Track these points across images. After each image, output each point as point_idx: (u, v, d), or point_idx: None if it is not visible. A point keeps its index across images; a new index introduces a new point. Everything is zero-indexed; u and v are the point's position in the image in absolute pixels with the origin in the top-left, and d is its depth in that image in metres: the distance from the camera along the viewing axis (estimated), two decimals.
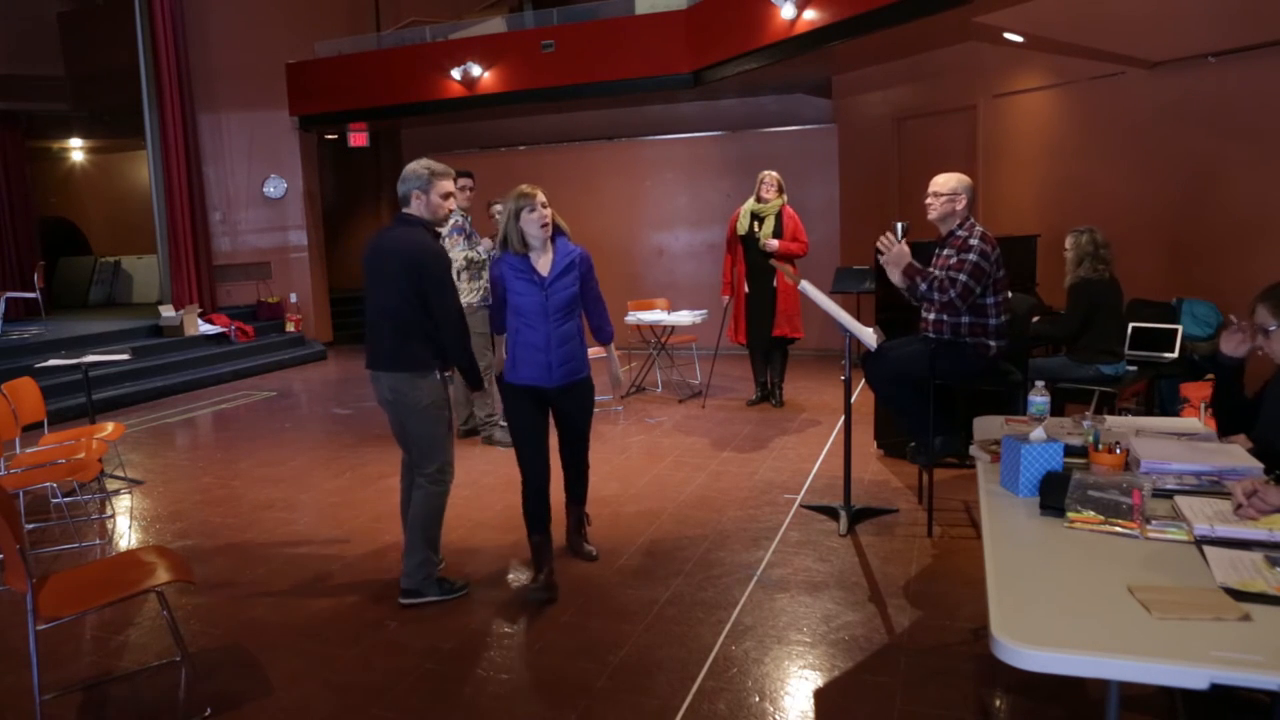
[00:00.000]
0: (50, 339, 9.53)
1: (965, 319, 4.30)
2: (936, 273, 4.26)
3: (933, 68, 8.30)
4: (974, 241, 4.24)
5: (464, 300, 6.12)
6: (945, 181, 4.36)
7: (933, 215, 4.39)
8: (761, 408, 7.38)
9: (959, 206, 4.34)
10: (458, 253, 6.13)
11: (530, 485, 3.93)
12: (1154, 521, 2.22)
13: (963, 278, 4.17)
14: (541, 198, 3.76)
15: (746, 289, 7.10)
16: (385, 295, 3.69)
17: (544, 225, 3.75)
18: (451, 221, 6.17)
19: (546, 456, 3.93)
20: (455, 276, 6.09)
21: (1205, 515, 2.21)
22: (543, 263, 3.79)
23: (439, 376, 3.78)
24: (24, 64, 12.68)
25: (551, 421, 4.03)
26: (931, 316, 4.42)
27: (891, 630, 3.45)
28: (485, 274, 6.30)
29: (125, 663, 3.41)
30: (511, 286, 3.80)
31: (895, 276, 4.35)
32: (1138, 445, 2.66)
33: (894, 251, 4.29)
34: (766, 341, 7.18)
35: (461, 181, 6.24)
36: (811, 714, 2.93)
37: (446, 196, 3.76)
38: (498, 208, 6.75)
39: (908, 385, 4.40)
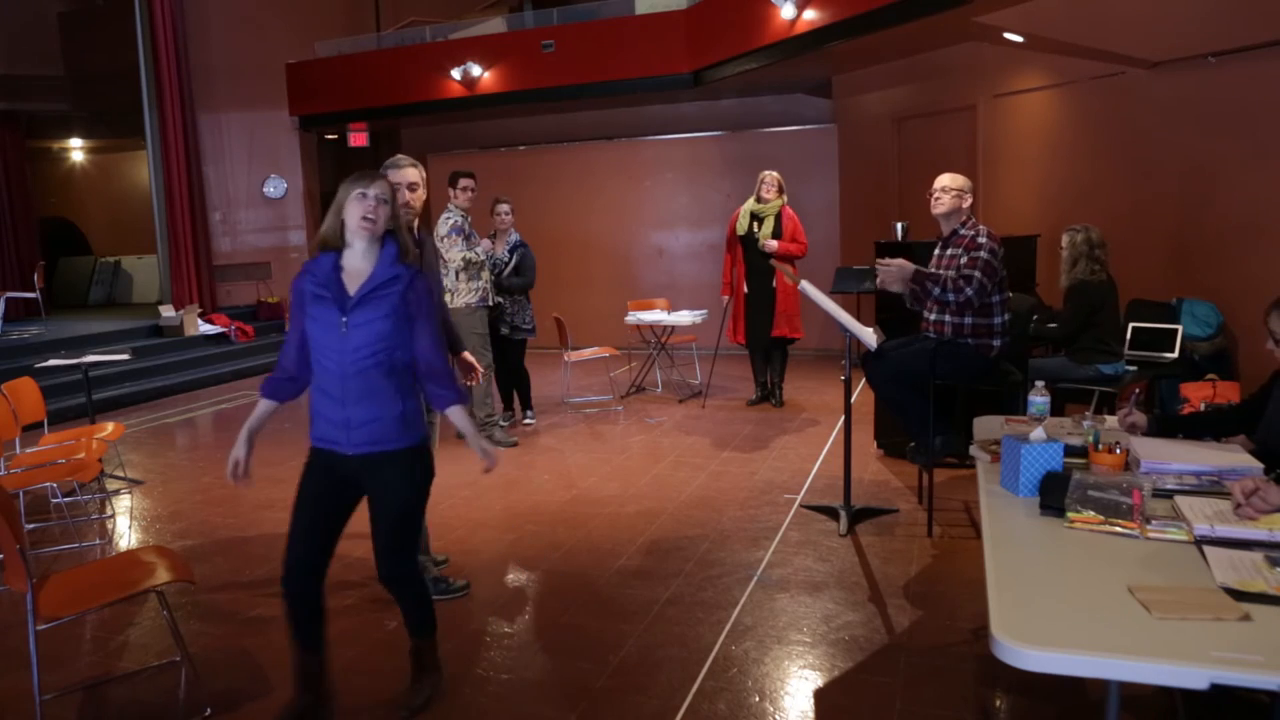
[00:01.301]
0: (50, 339, 9.53)
1: (969, 319, 4.30)
2: (947, 274, 4.26)
3: (933, 68, 8.30)
4: (982, 240, 4.25)
5: (463, 300, 6.15)
6: (954, 178, 4.38)
7: (939, 210, 4.38)
8: (761, 408, 7.38)
9: (965, 204, 4.36)
10: (455, 253, 6.13)
11: (289, 568, 2.87)
12: (1154, 521, 2.21)
13: (978, 274, 4.18)
14: (378, 190, 2.77)
15: (746, 289, 7.11)
16: None
17: (368, 217, 2.75)
18: (450, 222, 6.18)
19: (325, 537, 2.89)
20: (453, 278, 6.13)
21: (1205, 515, 2.21)
22: (355, 275, 2.79)
23: None
24: (24, 64, 12.69)
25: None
26: (932, 316, 4.43)
27: (891, 630, 3.45)
28: (484, 274, 6.31)
29: (125, 663, 3.41)
30: (309, 306, 2.79)
31: (898, 288, 4.36)
32: (1138, 445, 2.66)
33: (895, 267, 4.28)
34: (766, 341, 7.18)
35: (463, 182, 6.26)
36: (811, 714, 2.93)
37: (395, 189, 3.73)
38: (503, 207, 6.77)
39: (908, 385, 4.40)
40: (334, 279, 2.78)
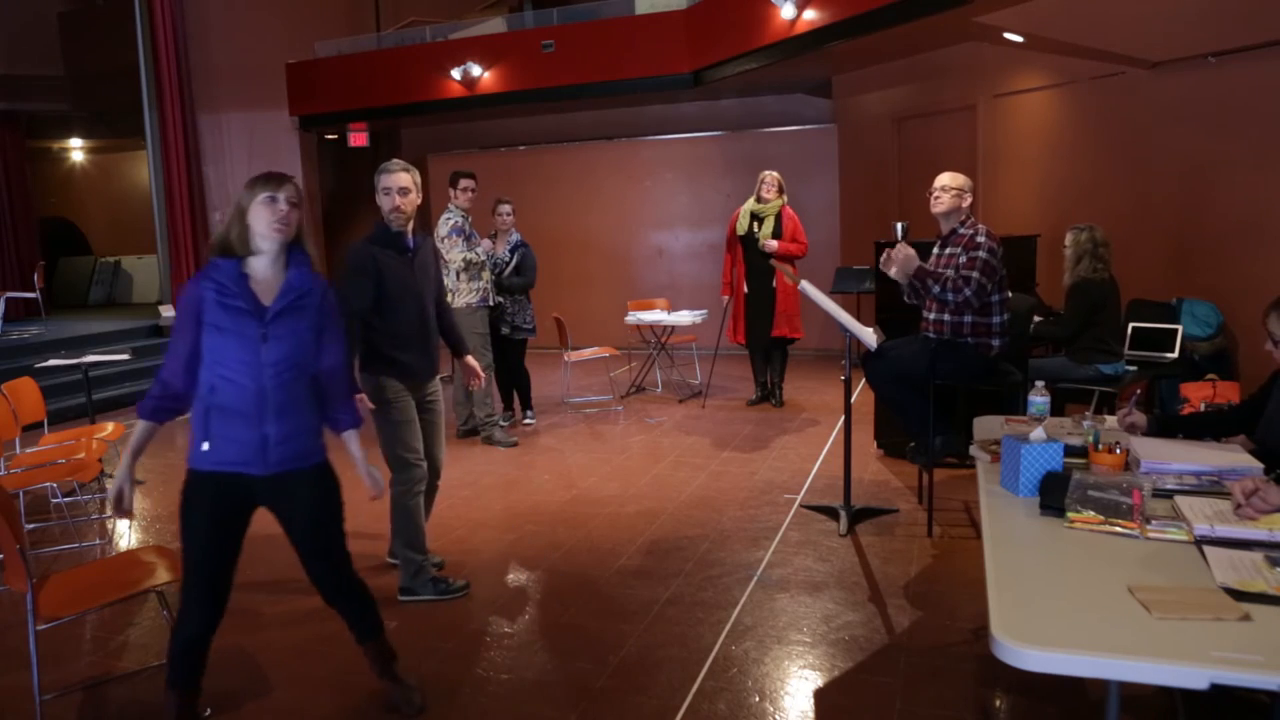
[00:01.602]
0: (50, 339, 9.52)
1: (968, 318, 4.30)
2: (948, 273, 4.26)
3: (933, 68, 8.30)
4: (981, 239, 4.25)
5: (464, 301, 6.16)
6: (954, 176, 4.38)
7: (939, 209, 4.38)
8: (761, 408, 7.38)
9: (965, 203, 4.36)
10: (456, 254, 6.15)
11: (184, 629, 2.71)
12: (1154, 521, 2.21)
13: (976, 275, 4.18)
14: (288, 193, 2.62)
15: (746, 289, 7.11)
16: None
17: (280, 222, 2.60)
18: (451, 223, 6.20)
19: (224, 571, 2.72)
20: (454, 278, 6.15)
21: (1205, 515, 2.21)
22: (266, 288, 2.63)
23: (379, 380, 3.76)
24: (24, 64, 12.69)
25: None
26: (932, 316, 4.43)
27: (891, 630, 3.45)
28: (485, 274, 6.32)
29: (125, 663, 3.41)
30: (210, 315, 2.57)
31: (899, 277, 4.34)
32: (1138, 445, 2.66)
33: (901, 254, 4.24)
34: (766, 341, 7.18)
35: (464, 183, 6.29)
36: (811, 714, 2.93)
37: (386, 193, 3.76)
38: (505, 208, 6.77)
39: (908, 385, 4.40)
40: (244, 288, 2.60)
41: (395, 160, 3.83)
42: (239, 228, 2.61)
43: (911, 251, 4.27)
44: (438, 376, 4.00)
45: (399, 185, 3.72)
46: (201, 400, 2.61)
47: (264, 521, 2.76)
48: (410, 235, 3.82)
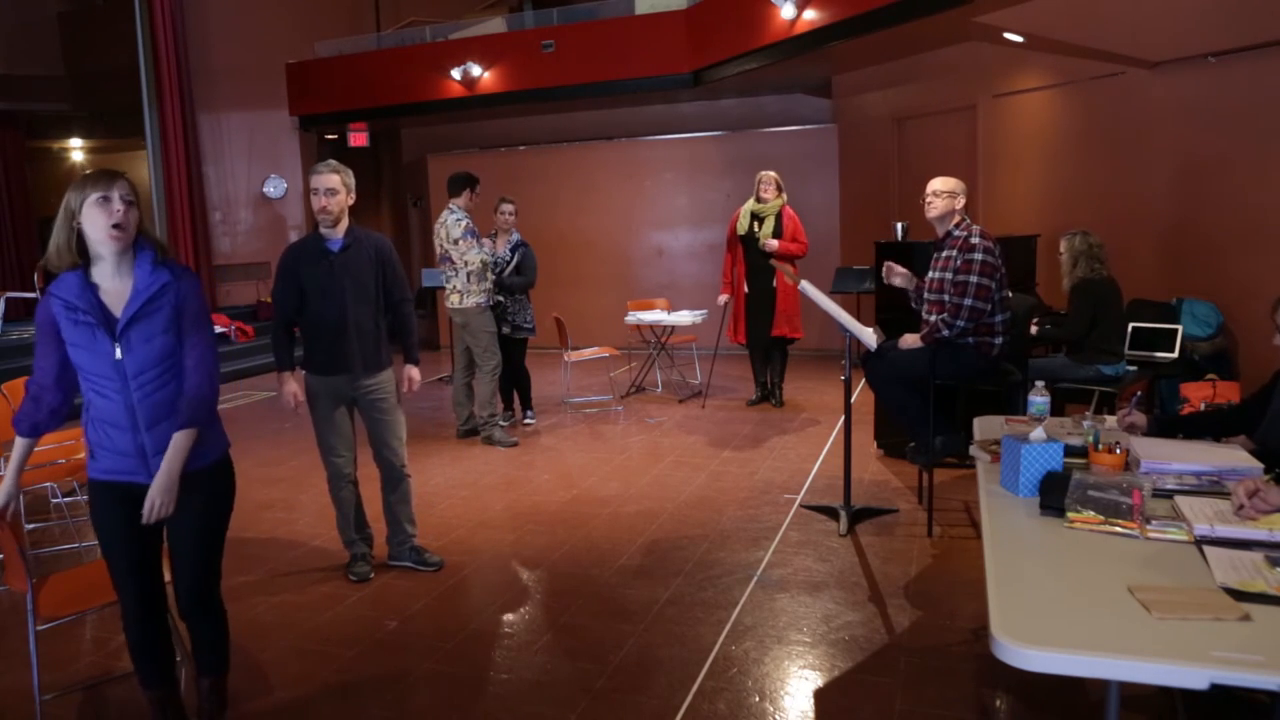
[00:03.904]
0: None
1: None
2: (940, 318, 4.34)
3: (933, 68, 8.30)
4: (975, 240, 4.27)
5: (474, 301, 6.29)
6: (945, 181, 4.42)
7: (932, 214, 4.43)
8: (761, 408, 7.38)
9: (958, 205, 4.39)
10: (474, 256, 6.26)
11: (130, 612, 2.63)
12: (1154, 521, 2.21)
13: (974, 279, 4.22)
14: (122, 190, 2.41)
15: (746, 289, 7.11)
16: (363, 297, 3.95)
17: (118, 226, 2.40)
18: (463, 225, 6.28)
19: (151, 573, 2.65)
20: (464, 279, 6.22)
21: (1205, 515, 2.21)
22: (115, 296, 2.47)
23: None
24: (24, 64, 12.68)
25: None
26: (933, 318, 4.43)
27: (891, 630, 3.45)
28: (488, 274, 6.36)
29: (125, 663, 3.40)
30: (66, 333, 2.45)
31: (903, 284, 4.59)
32: (1138, 445, 2.66)
33: (899, 277, 4.54)
34: (766, 341, 7.18)
35: (475, 189, 6.44)
36: (811, 714, 2.93)
37: (315, 193, 3.86)
38: (507, 207, 6.78)
39: (908, 385, 4.41)
40: (91, 300, 2.43)
41: (328, 160, 3.94)
42: (70, 235, 2.40)
43: (912, 340, 4.46)
44: (383, 372, 4.04)
45: (326, 186, 3.83)
46: (86, 410, 2.54)
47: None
48: (339, 235, 3.89)
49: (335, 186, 3.83)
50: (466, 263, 6.18)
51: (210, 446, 2.63)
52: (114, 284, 2.47)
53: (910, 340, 4.46)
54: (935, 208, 4.40)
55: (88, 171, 2.46)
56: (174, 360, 2.51)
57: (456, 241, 6.18)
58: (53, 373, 2.52)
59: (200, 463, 2.59)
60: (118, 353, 2.44)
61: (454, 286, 6.27)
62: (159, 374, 2.49)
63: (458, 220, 6.25)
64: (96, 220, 2.39)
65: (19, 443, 2.60)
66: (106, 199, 2.39)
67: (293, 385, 3.98)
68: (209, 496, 2.63)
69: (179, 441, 2.50)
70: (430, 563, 4.19)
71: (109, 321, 2.44)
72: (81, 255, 2.44)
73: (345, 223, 3.91)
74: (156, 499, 2.48)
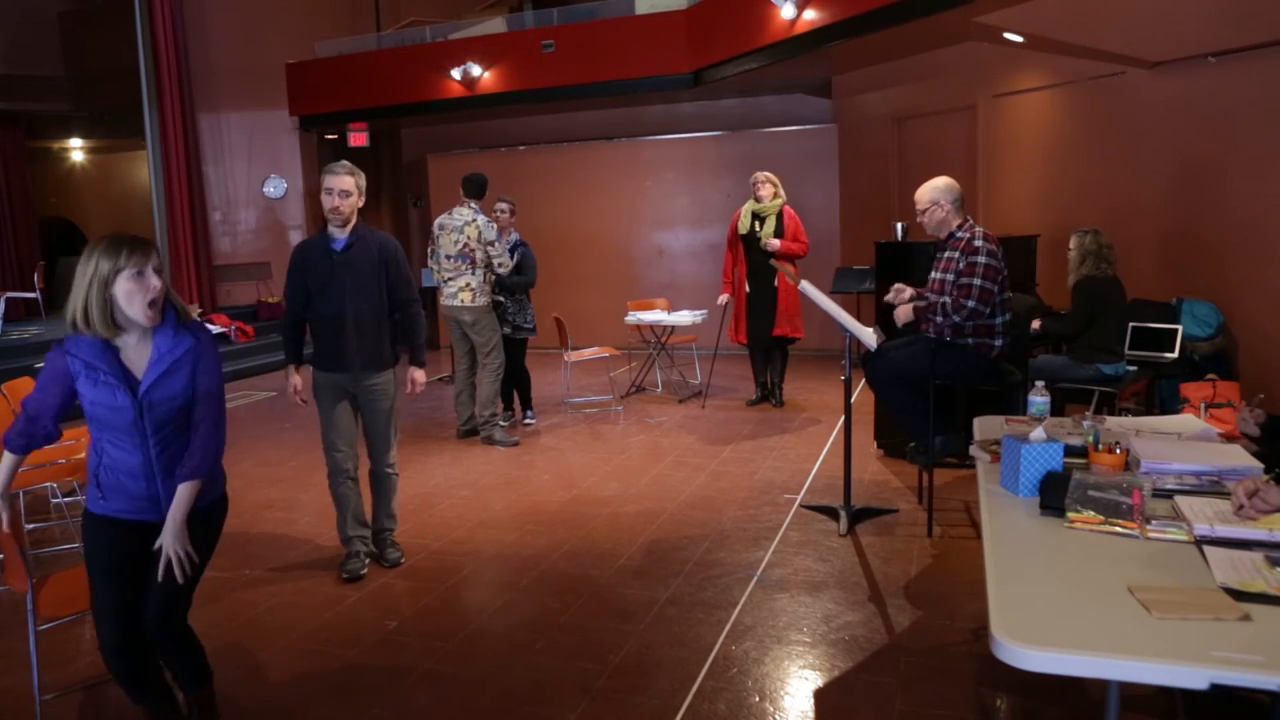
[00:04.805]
0: (50, 339, 9.51)
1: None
2: (943, 299, 4.33)
3: (933, 68, 8.30)
4: (979, 243, 4.27)
5: (485, 299, 6.45)
6: (922, 193, 4.44)
7: (929, 228, 4.47)
8: (761, 408, 7.38)
9: (946, 208, 4.38)
10: (507, 256, 6.40)
11: (106, 637, 2.59)
12: (1154, 521, 2.21)
13: (978, 282, 4.21)
14: (155, 263, 2.44)
15: (747, 289, 7.11)
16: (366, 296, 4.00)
17: (153, 303, 2.44)
18: (494, 226, 6.39)
19: (134, 597, 2.59)
20: (479, 278, 6.33)
21: (1205, 515, 2.21)
22: (136, 356, 2.51)
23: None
24: (24, 64, 12.68)
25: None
26: (937, 318, 4.43)
27: (891, 630, 3.45)
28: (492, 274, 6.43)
29: None
30: (83, 389, 2.48)
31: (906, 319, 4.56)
32: (1138, 445, 2.66)
33: (901, 316, 4.50)
34: (767, 341, 7.18)
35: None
36: (811, 714, 2.93)
37: (327, 193, 3.91)
38: (503, 205, 6.81)
39: (908, 385, 4.41)
40: (112, 361, 2.46)
41: (343, 162, 3.98)
42: (101, 302, 2.39)
43: (908, 308, 4.44)
44: (384, 371, 4.10)
45: (341, 188, 3.89)
46: (93, 452, 2.56)
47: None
48: (346, 234, 3.96)
49: (349, 189, 3.91)
50: (500, 264, 6.31)
51: (211, 486, 2.66)
52: (135, 346, 2.50)
53: (904, 313, 4.44)
54: (931, 217, 4.42)
55: (115, 236, 2.44)
56: (186, 411, 2.56)
57: (492, 243, 6.26)
58: (53, 410, 2.56)
59: (201, 502, 2.61)
60: (139, 410, 2.48)
61: (466, 284, 6.28)
62: (177, 428, 2.55)
63: (488, 222, 6.36)
64: (132, 296, 2.41)
65: (8, 458, 2.62)
66: (141, 274, 2.40)
67: (296, 379, 4.11)
68: (201, 535, 2.61)
69: (184, 494, 2.53)
70: (389, 559, 4.28)
71: (131, 384, 2.48)
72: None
73: (354, 223, 3.99)
74: (171, 552, 2.50)
